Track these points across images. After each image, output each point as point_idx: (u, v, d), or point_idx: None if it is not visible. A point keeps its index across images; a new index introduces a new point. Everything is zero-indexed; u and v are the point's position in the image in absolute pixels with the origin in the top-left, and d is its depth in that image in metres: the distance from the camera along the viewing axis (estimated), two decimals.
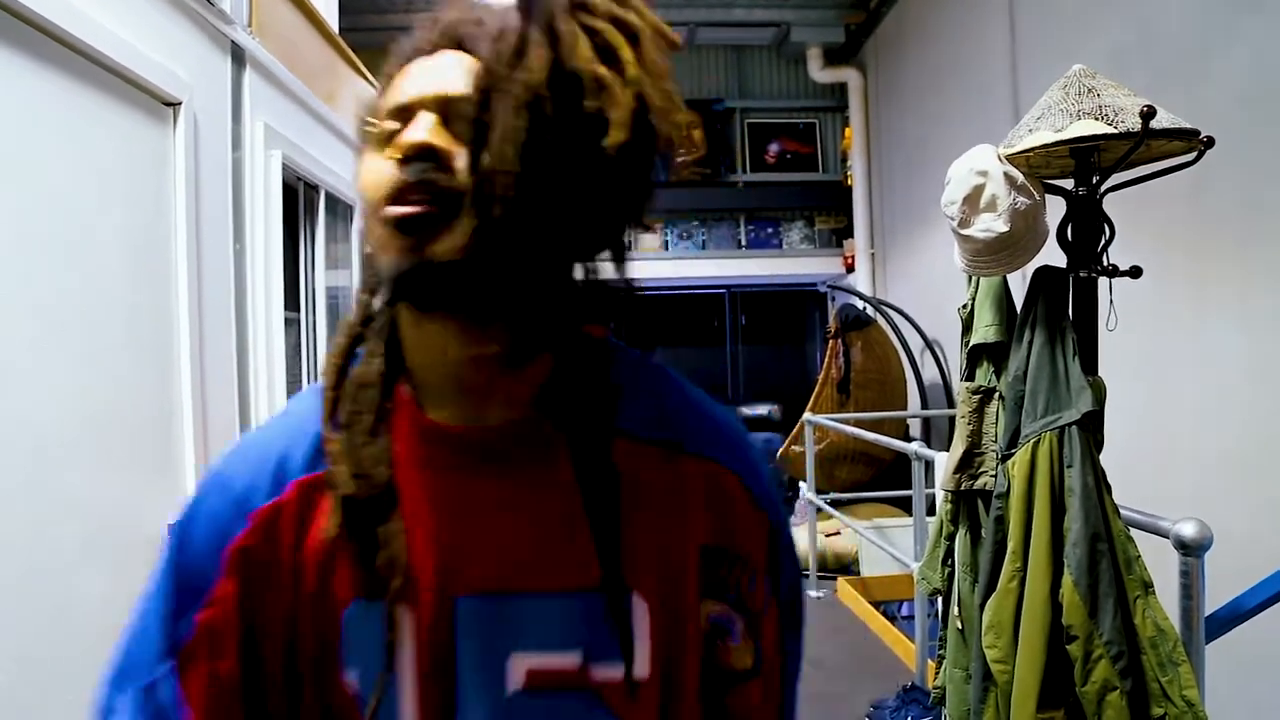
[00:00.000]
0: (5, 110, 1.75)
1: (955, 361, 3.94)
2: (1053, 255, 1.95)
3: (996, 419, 2.05)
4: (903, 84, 7.35)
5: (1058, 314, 1.88)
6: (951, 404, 5.85)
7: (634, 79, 0.64)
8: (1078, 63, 1.94)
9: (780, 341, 10.38)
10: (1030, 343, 1.90)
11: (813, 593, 5.38)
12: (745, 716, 0.82)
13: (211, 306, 2.60)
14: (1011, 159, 1.86)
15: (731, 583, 0.76)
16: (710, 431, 0.78)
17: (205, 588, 0.71)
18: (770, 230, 9.05)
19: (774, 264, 8.98)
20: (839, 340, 6.48)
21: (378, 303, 0.73)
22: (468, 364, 0.69)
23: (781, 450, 6.62)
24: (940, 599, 2.35)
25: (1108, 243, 1.92)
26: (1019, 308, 2.01)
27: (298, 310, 3.42)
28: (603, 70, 0.62)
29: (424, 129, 0.63)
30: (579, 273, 0.72)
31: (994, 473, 2.03)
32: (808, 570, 5.50)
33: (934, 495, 3.15)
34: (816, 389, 6.46)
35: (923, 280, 7.05)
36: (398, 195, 0.63)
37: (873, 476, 6.54)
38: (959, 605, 2.16)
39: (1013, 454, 1.89)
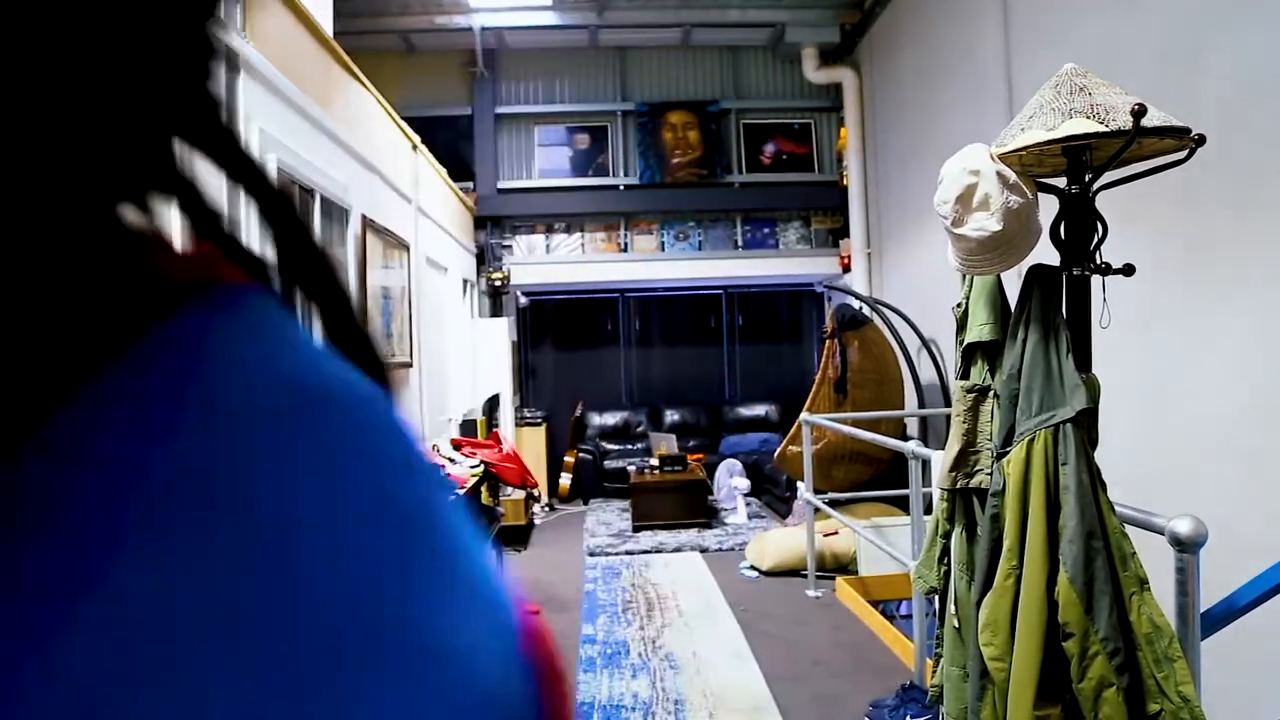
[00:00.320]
0: None
1: (952, 360, 3.95)
2: (1046, 253, 1.96)
3: (991, 417, 2.05)
4: (898, 83, 7.37)
5: (1051, 312, 1.89)
6: (948, 403, 5.85)
7: None
8: (1071, 61, 1.95)
9: (777, 341, 10.39)
10: (1024, 341, 1.91)
11: (811, 592, 5.39)
12: None
13: None
14: (1004, 158, 1.86)
15: None
16: None
17: None
18: (766, 230, 9.06)
19: (770, 264, 9.01)
20: (835, 340, 6.48)
21: None
22: None
23: (779, 450, 6.64)
24: (937, 598, 2.35)
25: (1100, 241, 1.93)
26: (1013, 306, 2.02)
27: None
28: None
29: None
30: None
31: (989, 471, 2.04)
32: (805, 570, 5.51)
33: (931, 494, 3.15)
34: (813, 389, 6.47)
35: (919, 279, 7.06)
36: None
37: (871, 476, 6.55)
38: (955, 603, 2.16)
39: (1008, 452, 1.90)
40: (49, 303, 0.22)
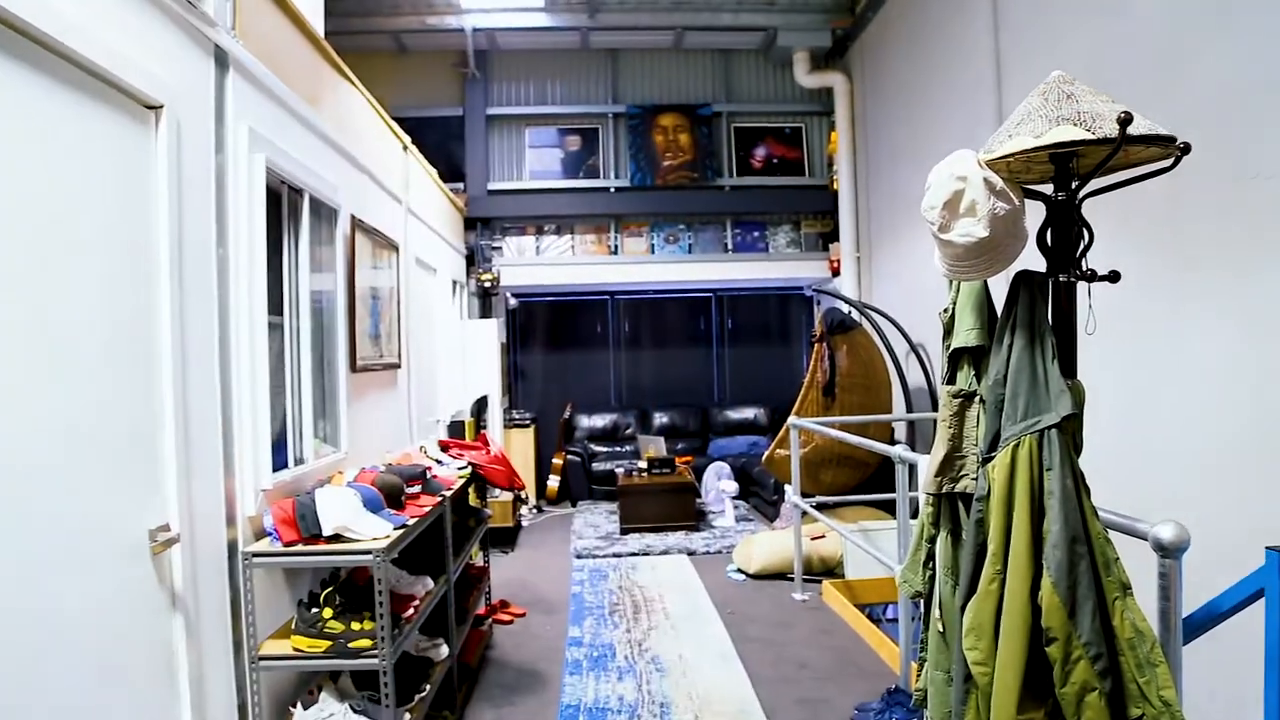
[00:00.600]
0: None
1: (940, 365, 3.97)
2: (1032, 260, 1.97)
3: (978, 422, 2.06)
4: (888, 88, 7.39)
5: (1037, 318, 1.90)
6: (936, 408, 5.87)
7: None
8: (1059, 69, 1.95)
9: (766, 345, 10.41)
10: (1010, 346, 1.92)
11: (798, 595, 5.39)
12: None
13: (194, 311, 2.59)
14: (991, 164, 1.87)
15: None
16: None
17: None
18: (757, 234, 9.08)
19: (760, 267, 9.02)
20: (824, 344, 6.49)
21: None
22: None
23: (767, 453, 6.64)
24: (922, 602, 2.36)
25: (1087, 247, 1.94)
26: (999, 312, 2.03)
27: (281, 315, 3.40)
28: None
29: None
30: None
31: (975, 476, 2.04)
32: (792, 574, 5.52)
33: (918, 498, 3.16)
34: (802, 392, 6.48)
35: (908, 284, 7.08)
36: None
37: (859, 480, 6.57)
38: (940, 608, 2.17)
39: (993, 457, 1.90)
40: None
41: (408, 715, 3.10)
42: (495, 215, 8.85)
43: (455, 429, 6.21)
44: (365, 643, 2.84)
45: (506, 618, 5.12)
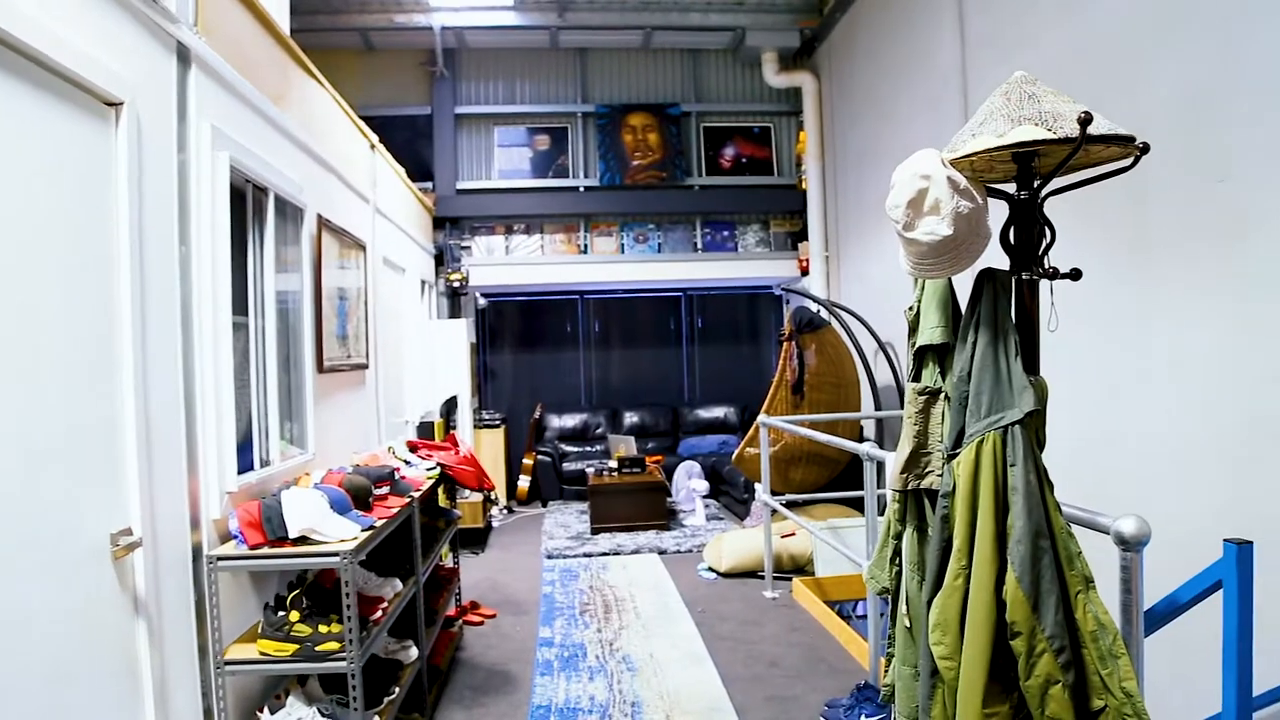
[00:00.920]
0: None
1: (907, 363, 4.00)
2: (996, 258, 1.99)
3: (943, 419, 2.08)
4: (856, 88, 7.44)
5: (1000, 315, 1.92)
6: (904, 405, 5.92)
7: None
8: (1025, 68, 1.98)
9: (736, 344, 10.44)
10: (974, 343, 1.94)
11: (768, 593, 5.42)
12: None
13: (155, 310, 2.55)
14: (955, 163, 1.89)
15: None
16: None
17: None
18: (726, 233, 9.11)
19: (730, 267, 9.05)
20: (793, 342, 6.53)
21: None
22: None
23: (737, 452, 6.66)
24: (889, 597, 2.37)
25: (1049, 245, 1.96)
26: (963, 309, 2.05)
27: (246, 315, 3.36)
28: None
29: None
30: None
31: (940, 472, 2.06)
32: (763, 572, 5.54)
33: (885, 495, 3.18)
34: (771, 391, 6.51)
35: (876, 283, 7.14)
36: None
37: (829, 478, 6.61)
38: (907, 603, 2.18)
39: (958, 453, 1.92)
40: None
41: (376, 718, 3.08)
42: (464, 215, 8.80)
43: (424, 430, 6.17)
44: (333, 645, 2.82)
45: (477, 619, 5.10)
